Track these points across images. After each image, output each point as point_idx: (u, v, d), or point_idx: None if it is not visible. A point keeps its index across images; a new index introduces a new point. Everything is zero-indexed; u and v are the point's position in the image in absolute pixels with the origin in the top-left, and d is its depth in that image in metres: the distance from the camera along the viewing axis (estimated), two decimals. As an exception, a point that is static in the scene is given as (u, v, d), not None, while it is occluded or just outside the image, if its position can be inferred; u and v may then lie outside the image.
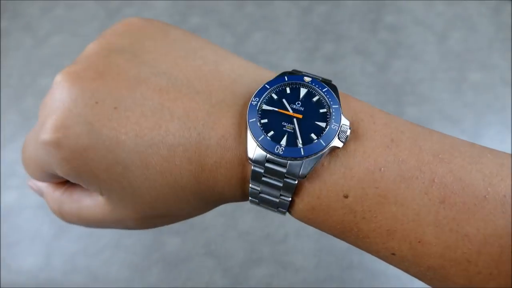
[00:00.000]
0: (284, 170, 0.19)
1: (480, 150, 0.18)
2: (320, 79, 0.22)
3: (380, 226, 0.18)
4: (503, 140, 0.81)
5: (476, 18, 0.96)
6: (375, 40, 0.94)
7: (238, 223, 0.73)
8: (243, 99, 0.20)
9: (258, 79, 0.21)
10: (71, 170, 0.20)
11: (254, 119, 0.19)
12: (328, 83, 0.21)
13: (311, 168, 0.19)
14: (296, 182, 0.19)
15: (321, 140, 0.19)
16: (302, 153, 0.19)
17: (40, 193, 0.24)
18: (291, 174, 0.19)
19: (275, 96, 0.20)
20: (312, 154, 0.19)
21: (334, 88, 0.21)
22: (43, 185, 0.24)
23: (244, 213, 0.74)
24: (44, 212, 0.76)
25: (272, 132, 0.19)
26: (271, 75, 0.22)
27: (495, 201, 0.17)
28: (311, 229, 0.74)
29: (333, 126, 0.19)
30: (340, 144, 0.19)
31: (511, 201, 0.17)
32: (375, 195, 0.18)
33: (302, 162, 0.19)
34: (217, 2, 1.02)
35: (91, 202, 0.22)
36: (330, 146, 0.19)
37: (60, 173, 0.20)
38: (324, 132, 0.19)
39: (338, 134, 0.19)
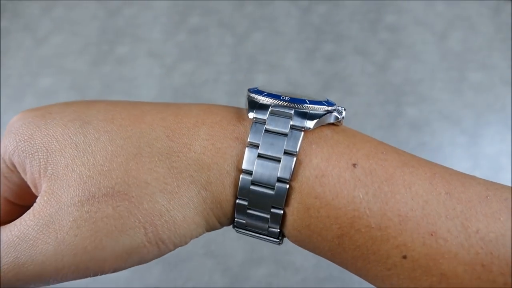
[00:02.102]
0: (289, 121, 0.18)
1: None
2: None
3: (392, 208, 0.17)
4: (503, 140, 0.81)
5: (476, 18, 0.96)
6: (375, 40, 0.94)
7: (238, 223, 0.73)
8: None
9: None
10: (25, 135, 0.19)
11: (256, 88, 0.20)
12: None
13: (316, 123, 0.18)
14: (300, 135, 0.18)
15: (323, 101, 0.19)
16: (308, 102, 0.18)
17: None
18: (298, 123, 0.18)
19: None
20: (316, 106, 0.18)
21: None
22: None
23: (244, 213, 0.74)
24: (44, 212, 0.76)
25: None
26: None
27: (498, 202, 0.16)
28: (311, 229, 0.74)
29: (331, 101, 0.20)
30: (339, 116, 0.19)
31: None
32: (382, 172, 0.17)
33: (308, 112, 0.18)
34: (217, 2, 1.02)
35: (30, 211, 0.18)
36: (331, 111, 0.19)
37: (13, 147, 0.19)
38: (325, 100, 0.20)
39: (335, 110, 0.19)
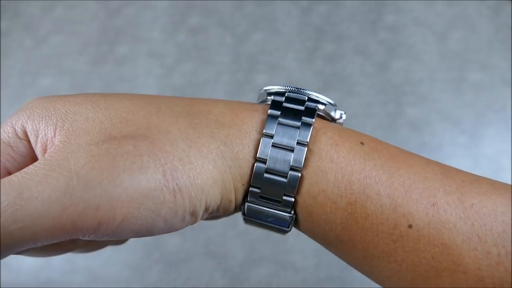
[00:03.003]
0: (304, 101, 0.20)
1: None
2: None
3: (398, 179, 0.19)
4: (503, 140, 0.81)
5: (476, 18, 0.96)
6: (375, 40, 0.94)
7: (238, 222, 0.73)
8: None
9: None
10: (43, 104, 0.18)
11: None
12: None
13: (325, 107, 0.21)
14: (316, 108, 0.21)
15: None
16: (315, 91, 0.21)
17: None
18: (311, 104, 0.21)
19: None
20: (324, 96, 0.21)
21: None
22: None
23: (244, 213, 0.74)
24: (44, 212, 0.76)
25: None
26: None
27: (487, 184, 0.19)
28: (311, 229, 0.73)
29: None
30: (343, 114, 0.22)
31: (501, 185, 0.19)
32: (386, 152, 0.20)
33: (318, 100, 0.21)
34: (217, 2, 1.02)
35: (40, 158, 0.17)
36: (335, 104, 0.21)
37: (27, 114, 0.18)
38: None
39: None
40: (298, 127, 0.19)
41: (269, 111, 0.20)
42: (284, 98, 0.21)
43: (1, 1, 1.05)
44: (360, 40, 0.94)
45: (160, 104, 0.19)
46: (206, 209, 0.19)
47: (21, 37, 1.00)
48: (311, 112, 0.20)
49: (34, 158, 0.19)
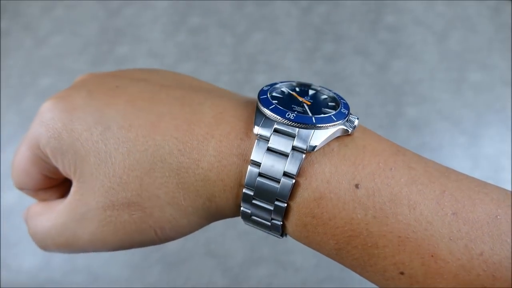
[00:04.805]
0: (291, 142, 0.18)
1: (483, 181, 0.18)
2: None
3: (392, 230, 0.17)
4: (503, 140, 0.81)
5: (476, 18, 0.96)
6: (375, 40, 0.94)
7: (238, 223, 0.73)
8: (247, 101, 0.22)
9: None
10: (55, 133, 0.21)
11: (265, 96, 0.20)
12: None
13: (322, 143, 0.18)
14: (302, 157, 0.18)
15: (332, 116, 0.19)
16: (314, 121, 0.18)
17: (25, 218, 0.25)
18: (300, 144, 0.18)
19: (285, 90, 0.21)
20: (323, 124, 0.18)
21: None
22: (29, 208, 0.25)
23: (244, 213, 0.74)
24: (44, 212, 0.76)
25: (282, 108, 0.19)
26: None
27: (508, 223, 0.16)
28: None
29: (343, 110, 0.19)
30: (349, 129, 0.19)
31: None
32: (387, 192, 0.17)
33: (313, 132, 0.18)
34: (217, 2, 1.02)
35: (61, 205, 0.22)
36: (340, 125, 0.18)
37: (45, 141, 0.21)
38: (334, 112, 0.19)
39: (346, 121, 0.19)
40: (279, 181, 0.18)
41: (250, 158, 0.18)
42: (271, 133, 0.18)
43: (1, 1, 1.05)
44: (360, 40, 0.94)
45: (154, 153, 0.20)
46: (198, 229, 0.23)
47: (21, 37, 1.00)
48: (296, 160, 0.18)
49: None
